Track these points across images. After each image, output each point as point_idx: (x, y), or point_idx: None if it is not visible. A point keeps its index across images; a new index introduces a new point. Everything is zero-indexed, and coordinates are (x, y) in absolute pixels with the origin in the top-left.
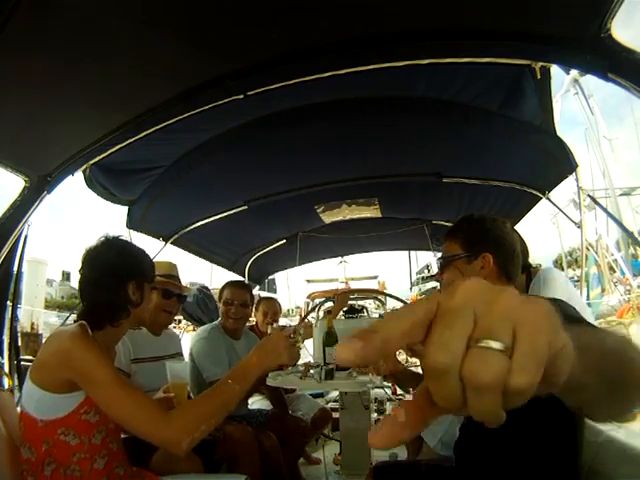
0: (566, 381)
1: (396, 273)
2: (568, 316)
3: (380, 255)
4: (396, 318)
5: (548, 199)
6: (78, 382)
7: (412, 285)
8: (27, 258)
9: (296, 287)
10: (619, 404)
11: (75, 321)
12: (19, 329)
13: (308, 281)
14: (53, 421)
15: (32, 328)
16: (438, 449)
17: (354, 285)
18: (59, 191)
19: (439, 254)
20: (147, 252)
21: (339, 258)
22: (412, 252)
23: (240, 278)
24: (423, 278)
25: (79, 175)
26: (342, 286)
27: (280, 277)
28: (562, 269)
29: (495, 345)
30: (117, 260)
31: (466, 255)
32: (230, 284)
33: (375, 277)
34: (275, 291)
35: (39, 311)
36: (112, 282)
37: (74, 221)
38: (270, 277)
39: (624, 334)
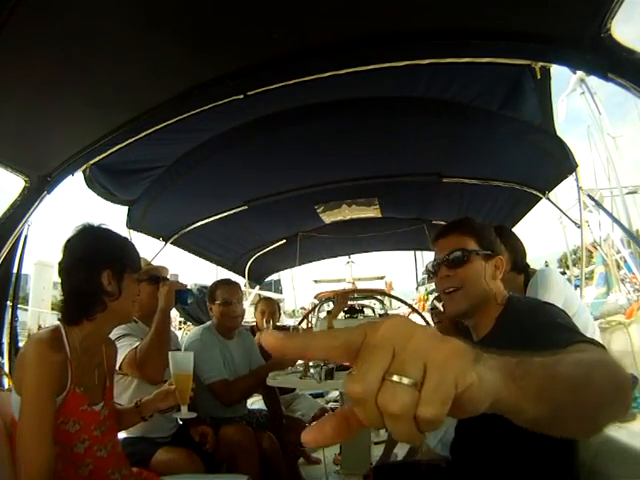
0: (501, 406)
1: (403, 273)
2: (552, 323)
3: (387, 255)
4: (326, 335)
5: (548, 199)
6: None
7: (418, 285)
8: (34, 261)
9: (304, 287)
10: (575, 424)
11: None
12: (27, 331)
13: (315, 281)
14: None
15: (39, 330)
16: (438, 449)
17: (361, 285)
18: (65, 192)
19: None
20: (130, 241)
21: (346, 258)
22: (418, 252)
23: (234, 277)
24: (429, 277)
25: (79, 175)
26: (349, 286)
27: (286, 278)
28: (567, 267)
29: (405, 381)
30: (90, 247)
31: (484, 253)
32: (223, 283)
33: (382, 277)
34: (281, 292)
35: (46, 313)
36: (82, 270)
37: (79, 222)
38: (276, 278)
39: (593, 357)
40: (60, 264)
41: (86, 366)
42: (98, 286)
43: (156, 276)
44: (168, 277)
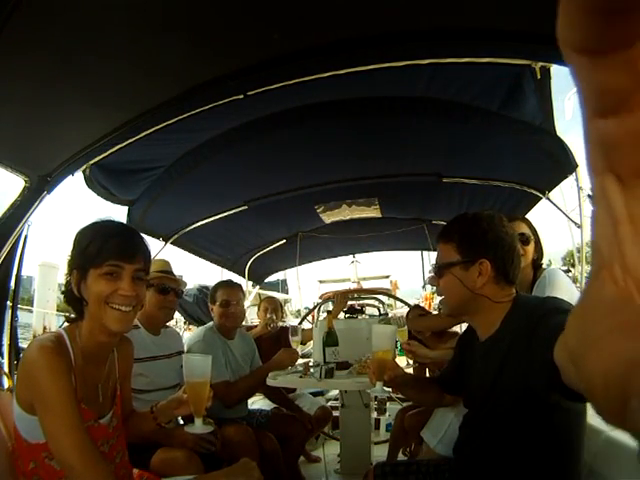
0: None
1: (409, 272)
2: (564, 309)
3: (392, 254)
4: None
5: (548, 199)
6: (33, 401)
7: (425, 284)
8: (38, 262)
9: (310, 287)
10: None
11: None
12: (32, 333)
13: (320, 281)
14: (35, 445)
15: (44, 331)
16: (438, 449)
17: (366, 284)
18: (66, 192)
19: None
20: (104, 227)
21: (350, 258)
22: (425, 251)
23: (235, 277)
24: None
25: (79, 175)
26: (354, 286)
27: (292, 278)
28: (572, 265)
29: None
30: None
31: (462, 262)
32: (224, 285)
33: (387, 276)
34: (287, 292)
35: (51, 315)
36: (68, 275)
37: (79, 223)
38: (282, 278)
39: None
40: None
41: (92, 377)
42: (70, 289)
43: (165, 287)
44: (183, 290)
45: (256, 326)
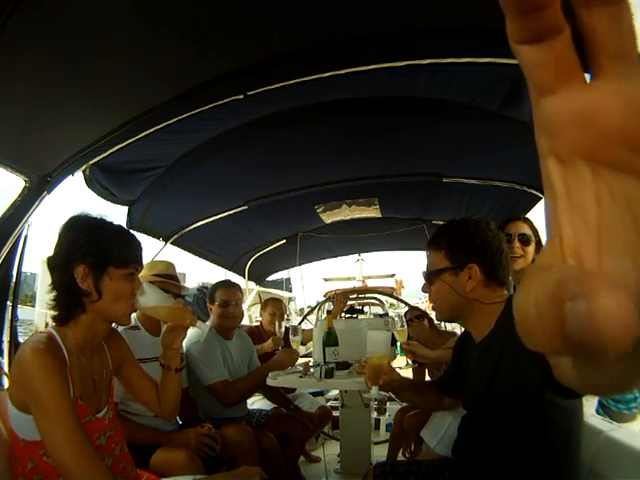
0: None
1: (414, 271)
2: None
3: (397, 253)
4: None
5: None
6: (27, 402)
7: None
8: (41, 259)
9: (314, 286)
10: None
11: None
12: (34, 329)
13: (325, 279)
14: (32, 443)
15: (46, 327)
16: (438, 450)
17: (371, 283)
18: (66, 192)
19: None
20: (127, 234)
21: (355, 256)
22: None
23: (235, 277)
24: None
25: (79, 175)
26: (359, 284)
27: (296, 276)
28: None
29: None
30: (69, 238)
31: (452, 267)
32: (223, 285)
33: (392, 275)
34: (291, 290)
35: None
36: (57, 264)
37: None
38: (286, 276)
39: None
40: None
41: (87, 371)
42: (72, 282)
43: (168, 291)
44: (183, 294)
45: (257, 326)
